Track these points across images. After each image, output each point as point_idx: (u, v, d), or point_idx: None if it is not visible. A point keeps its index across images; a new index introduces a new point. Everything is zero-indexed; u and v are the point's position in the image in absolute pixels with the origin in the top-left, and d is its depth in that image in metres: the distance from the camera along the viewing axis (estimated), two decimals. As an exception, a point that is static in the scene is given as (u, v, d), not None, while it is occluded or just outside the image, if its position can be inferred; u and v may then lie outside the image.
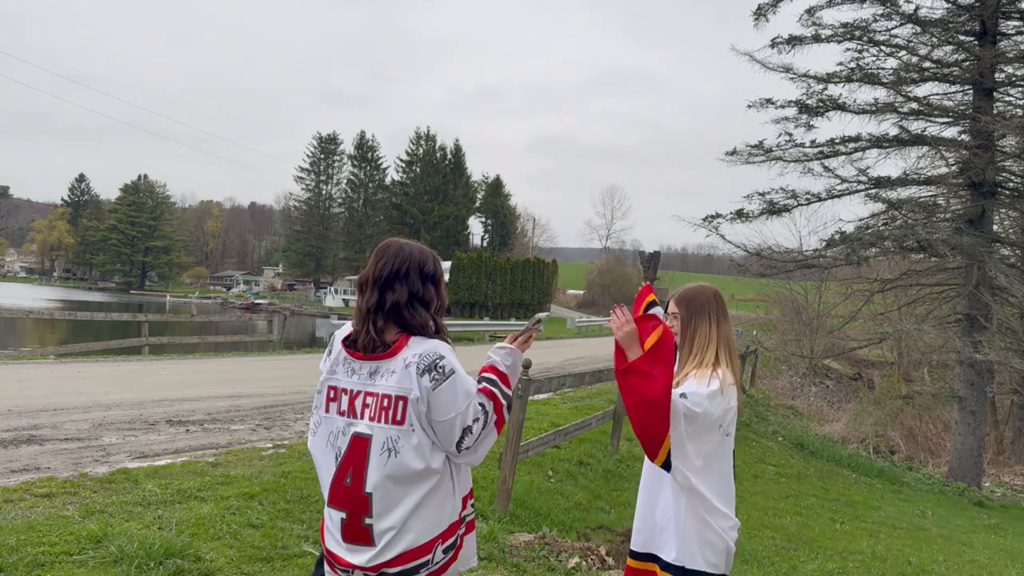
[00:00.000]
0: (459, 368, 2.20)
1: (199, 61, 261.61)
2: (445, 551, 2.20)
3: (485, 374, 2.34)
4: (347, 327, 2.31)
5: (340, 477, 2.16)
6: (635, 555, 2.78)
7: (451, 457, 2.21)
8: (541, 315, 2.67)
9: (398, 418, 2.12)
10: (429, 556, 2.15)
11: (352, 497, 2.14)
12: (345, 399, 2.20)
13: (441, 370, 2.14)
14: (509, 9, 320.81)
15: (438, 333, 2.25)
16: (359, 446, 2.14)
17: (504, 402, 2.29)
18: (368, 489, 2.12)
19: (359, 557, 2.14)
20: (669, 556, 2.64)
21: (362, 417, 2.16)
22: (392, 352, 2.17)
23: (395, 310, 2.20)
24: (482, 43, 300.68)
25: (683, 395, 2.55)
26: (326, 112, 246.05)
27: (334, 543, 2.20)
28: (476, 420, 2.19)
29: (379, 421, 2.13)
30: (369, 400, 2.16)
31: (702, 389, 2.56)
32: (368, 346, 2.18)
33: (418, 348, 2.16)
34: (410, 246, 2.30)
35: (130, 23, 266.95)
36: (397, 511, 2.11)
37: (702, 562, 2.60)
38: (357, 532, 2.14)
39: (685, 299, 2.77)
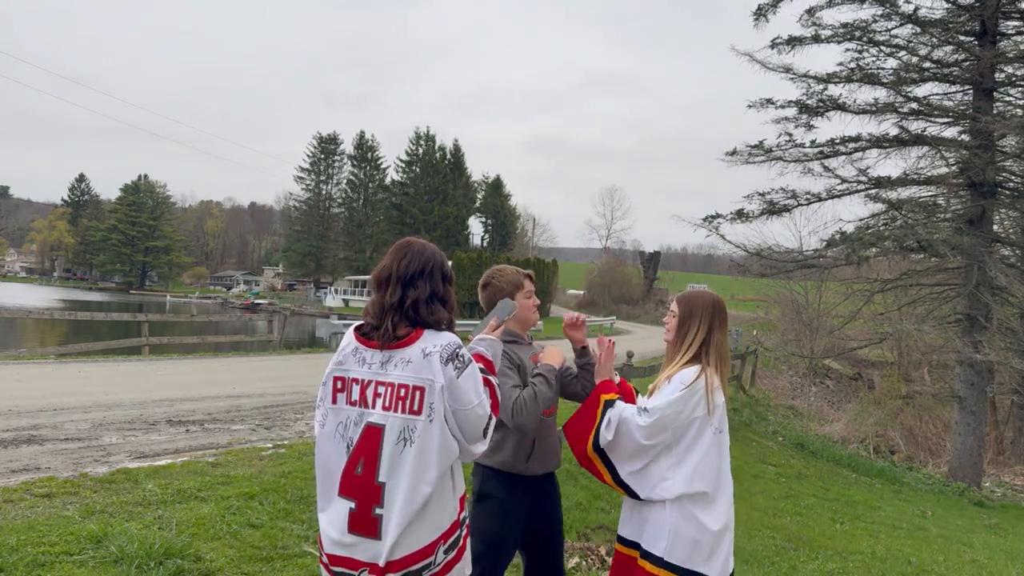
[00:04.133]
0: (473, 358, 2.26)
1: (199, 62, 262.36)
2: (446, 551, 2.19)
3: (476, 364, 2.39)
4: (350, 334, 2.31)
5: (352, 467, 2.15)
6: (622, 541, 2.84)
7: (466, 449, 2.21)
8: (511, 302, 2.84)
9: (415, 408, 2.12)
10: (431, 558, 2.15)
11: (363, 486, 2.13)
12: (356, 389, 2.19)
13: (462, 359, 2.18)
14: (504, 12, 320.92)
15: (450, 328, 2.29)
16: (372, 435, 2.14)
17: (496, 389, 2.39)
18: (381, 478, 2.12)
19: (364, 552, 2.12)
20: (652, 547, 2.68)
21: (375, 407, 2.16)
22: (407, 342, 2.18)
23: (414, 307, 2.22)
24: (477, 46, 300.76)
25: (645, 410, 2.69)
26: (324, 113, 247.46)
27: (335, 544, 2.17)
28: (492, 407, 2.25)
29: (394, 411, 2.13)
30: (381, 389, 2.16)
31: (659, 400, 2.71)
32: (386, 338, 2.20)
33: (436, 339, 2.19)
34: (431, 246, 2.35)
35: (130, 25, 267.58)
36: (408, 504, 2.10)
37: (685, 559, 2.63)
38: (365, 522, 2.12)
39: (684, 299, 2.92)
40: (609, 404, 2.80)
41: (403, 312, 2.22)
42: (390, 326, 2.20)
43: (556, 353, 3.01)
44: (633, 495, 2.73)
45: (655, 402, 2.69)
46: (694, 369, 2.71)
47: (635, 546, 2.74)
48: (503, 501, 2.91)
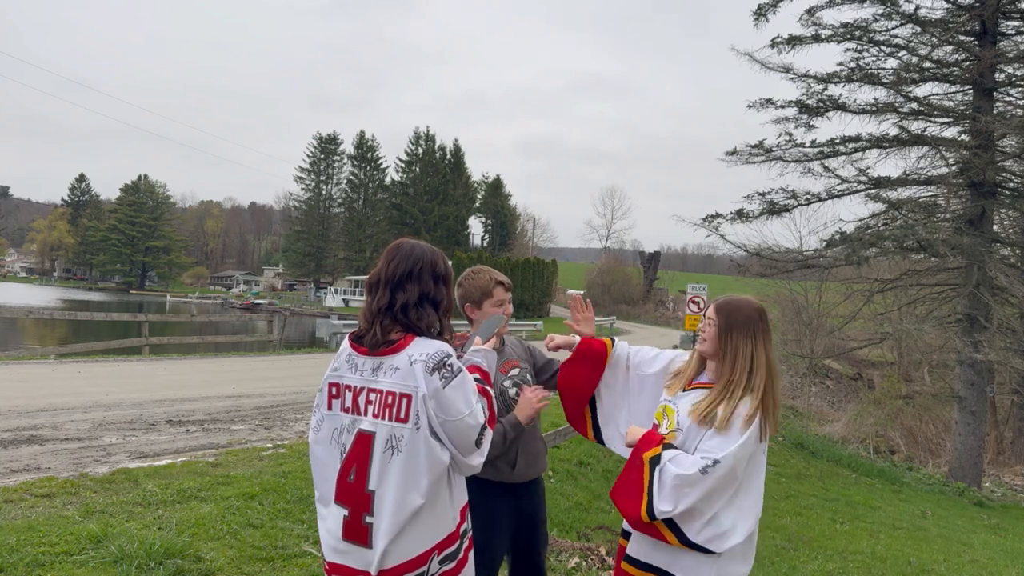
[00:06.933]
0: (464, 368, 2.21)
1: (199, 62, 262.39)
2: (442, 562, 2.17)
3: (473, 375, 2.35)
4: (346, 340, 2.31)
5: (344, 474, 2.15)
6: (633, 562, 2.62)
7: (461, 461, 2.18)
8: (497, 316, 2.82)
9: (402, 416, 2.11)
10: (425, 567, 2.13)
11: (355, 494, 2.13)
12: (349, 396, 2.19)
13: (450, 368, 2.14)
14: (497, 19, 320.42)
15: (442, 334, 2.26)
16: (363, 443, 2.13)
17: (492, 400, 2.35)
18: (371, 487, 2.11)
19: (357, 560, 2.12)
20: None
21: (366, 414, 2.15)
22: (396, 349, 2.17)
23: (404, 311, 2.20)
24: (470, 52, 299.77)
25: (716, 461, 2.39)
26: (321, 116, 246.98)
27: (333, 551, 2.18)
28: (486, 418, 2.21)
29: (383, 418, 2.12)
30: (372, 397, 2.15)
31: (732, 445, 2.42)
32: (373, 343, 2.19)
33: (424, 347, 2.16)
34: (421, 247, 2.32)
35: (130, 26, 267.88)
36: (396, 513, 2.09)
37: None
38: (357, 530, 2.12)
39: (727, 308, 2.59)
40: (655, 461, 2.46)
41: (392, 316, 2.20)
42: (379, 330, 2.18)
43: (528, 407, 2.86)
44: (708, 552, 2.42)
45: (725, 448, 2.40)
46: (756, 400, 2.47)
47: (659, 571, 2.55)
48: (489, 511, 2.90)
